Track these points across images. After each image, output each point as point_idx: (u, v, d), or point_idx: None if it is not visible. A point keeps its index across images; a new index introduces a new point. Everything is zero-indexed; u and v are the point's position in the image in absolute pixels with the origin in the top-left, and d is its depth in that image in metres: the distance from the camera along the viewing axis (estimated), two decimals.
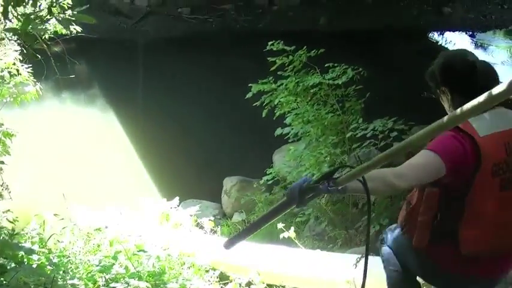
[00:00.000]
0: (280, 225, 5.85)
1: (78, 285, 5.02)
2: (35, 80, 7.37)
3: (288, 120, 8.41)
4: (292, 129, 8.36)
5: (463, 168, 2.93)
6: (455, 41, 25.10)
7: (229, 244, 3.37)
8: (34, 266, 5.47)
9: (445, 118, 2.00)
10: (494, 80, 3.16)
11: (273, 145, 10.40)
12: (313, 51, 8.36)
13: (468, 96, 2.82)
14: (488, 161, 2.94)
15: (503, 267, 3.37)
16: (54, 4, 6.31)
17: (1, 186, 6.16)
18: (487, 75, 3.14)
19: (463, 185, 2.98)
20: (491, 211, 3.05)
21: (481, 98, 1.84)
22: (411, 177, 2.83)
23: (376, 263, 5.24)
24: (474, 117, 2.84)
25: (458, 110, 1.93)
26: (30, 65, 7.47)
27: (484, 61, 3.27)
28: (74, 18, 6.56)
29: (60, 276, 5.20)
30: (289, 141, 8.65)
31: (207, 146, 12.93)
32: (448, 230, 3.12)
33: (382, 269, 5.10)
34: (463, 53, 3.32)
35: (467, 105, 1.88)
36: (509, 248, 3.26)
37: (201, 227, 7.78)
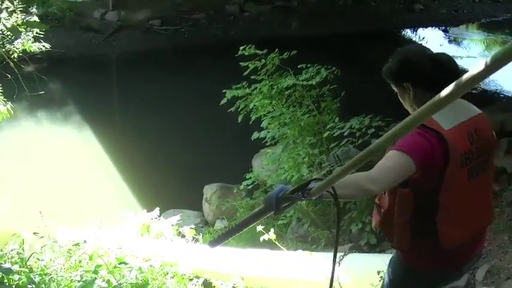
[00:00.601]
0: (259, 228, 5.81)
1: None
2: (6, 100, 7.29)
3: (264, 124, 8.36)
4: (269, 132, 8.31)
5: (432, 163, 2.95)
6: (429, 37, 25.25)
7: (214, 244, 3.38)
8: (14, 286, 5.42)
9: (411, 117, 1.91)
10: (456, 70, 3.15)
11: (251, 150, 10.36)
12: (285, 54, 8.34)
13: (432, 89, 2.87)
14: (456, 152, 2.98)
15: (477, 250, 3.44)
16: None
17: None
18: (448, 67, 3.16)
19: (435, 180, 3.00)
20: (463, 201, 3.10)
21: (449, 88, 1.74)
22: (384, 181, 2.85)
23: (358, 261, 5.24)
24: (443, 115, 2.78)
25: (425, 105, 1.83)
26: (0, 85, 7.39)
27: (443, 53, 3.30)
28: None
29: None
30: (267, 144, 8.62)
31: (185, 156, 12.87)
32: (427, 227, 3.12)
33: (365, 266, 5.12)
34: (419, 47, 3.44)
35: (433, 100, 1.80)
36: (480, 232, 3.37)
37: (183, 236, 7.72)
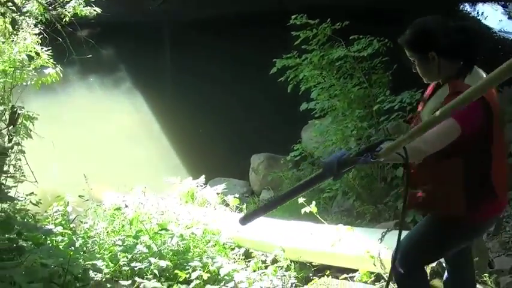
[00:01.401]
0: (301, 200, 5.75)
1: (98, 265, 4.97)
2: (55, 63, 7.32)
3: (313, 95, 8.25)
4: (318, 103, 8.21)
5: (478, 125, 3.05)
6: (487, 12, 24.62)
7: (245, 220, 3.50)
8: (58, 246, 5.46)
9: (471, 89, 2.15)
10: (478, 37, 3.30)
11: (299, 121, 10.24)
12: (337, 24, 8.19)
13: (455, 56, 3.19)
14: (495, 111, 3.14)
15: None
16: None
17: (17, 169, 6.11)
18: (471, 33, 3.24)
19: (485, 138, 3.15)
20: (502, 150, 3.33)
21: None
22: (434, 141, 2.95)
23: (401, 238, 5.13)
24: (468, 78, 3.14)
25: (492, 75, 1.97)
26: (50, 48, 7.42)
27: (463, 21, 3.38)
28: None
29: (81, 257, 5.17)
30: (316, 116, 8.51)
31: (234, 124, 12.82)
32: (483, 182, 3.23)
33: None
34: (437, 16, 3.35)
35: (492, 74, 1.94)
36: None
37: (227, 205, 7.71)
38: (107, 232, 6.35)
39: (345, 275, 5.23)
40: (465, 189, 3.20)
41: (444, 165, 3.18)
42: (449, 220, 3.32)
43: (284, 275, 5.12)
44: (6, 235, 4.41)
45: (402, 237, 3.53)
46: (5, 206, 5.37)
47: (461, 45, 3.17)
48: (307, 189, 3.13)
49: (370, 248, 4.94)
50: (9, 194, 5.09)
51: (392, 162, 2.85)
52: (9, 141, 6.46)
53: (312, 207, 5.65)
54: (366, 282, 5.06)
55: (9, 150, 6.30)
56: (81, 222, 6.56)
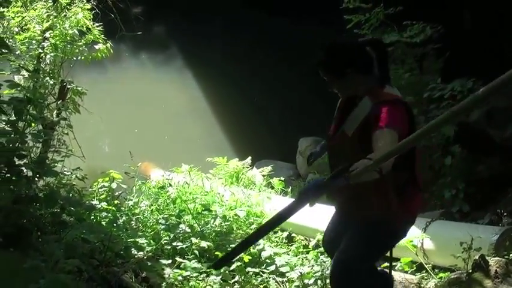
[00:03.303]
0: None
1: (140, 243, 5.01)
2: (106, 38, 7.33)
3: None
4: None
5: (407, 127, 3.26)
6: None
7: (219, 263, 4.07)
8: (101, 223, 5.51)
9: (454, 108, 2.27)
10: (387, 52, 3.65)
11: None
12: (391, 9, 8.07)
13: (370, 71, 3.42)
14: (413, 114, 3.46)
15: None
16: None
17: (61, 143, 6.15)
18: (384, 49, 3.57)
19: None
20: (419, 149, 3.52)
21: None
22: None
23: (445, 228, 5.06)
24: (392, 89, 3.41)
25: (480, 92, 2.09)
26: (101, 24, 7.44)
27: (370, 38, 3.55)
28: None
29: (124, 234, 5.22)
30: None
31: (283, 107, 12.72)
32: (410, 182, 3.40)
33: (449, 235, 4.95)
34: (347, 39, 3.93)
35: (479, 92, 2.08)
36: None
37: (273, 188, 7.70)
38: (151, 210, 6.40)
39: (386, 264, 5.16)
40: (395, 191, 3.31)
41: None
42: (384, 222, 3.37)
43: (324, 261, 5.07)
44: (49, 209, 4.47)
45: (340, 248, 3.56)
46: (51, 180, 5.41)
47: (375, 60, 3.42)
48: (284, 219, 3.26)
49: (412, 237, 4.88)
50: (55, 169, 5.11)
51: (363, 180, 2.88)
52: (58, 115, 6.51)
53: None
54: (406, 271, 4.99)
55: (57, 125, 6.34)
56: (125, 199, 6.62)
